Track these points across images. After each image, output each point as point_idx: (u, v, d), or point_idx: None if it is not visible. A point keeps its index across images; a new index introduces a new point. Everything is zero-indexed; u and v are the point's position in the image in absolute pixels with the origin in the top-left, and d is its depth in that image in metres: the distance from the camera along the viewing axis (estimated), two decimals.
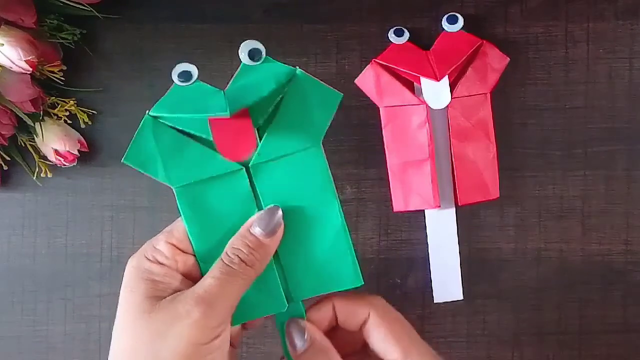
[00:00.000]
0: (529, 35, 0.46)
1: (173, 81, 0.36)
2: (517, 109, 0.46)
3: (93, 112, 0.47)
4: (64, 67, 0.45)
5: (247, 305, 0.35)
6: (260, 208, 0.35)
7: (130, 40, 0.47)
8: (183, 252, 0.34)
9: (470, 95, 0.43)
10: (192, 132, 0.35)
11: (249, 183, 0.35)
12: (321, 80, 0.35)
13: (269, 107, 0.35)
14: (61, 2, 0.43)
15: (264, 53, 0.35)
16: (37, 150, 0.46)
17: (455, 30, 0.45)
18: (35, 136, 0.45)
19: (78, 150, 0.45)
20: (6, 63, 0.40)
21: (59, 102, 0.45)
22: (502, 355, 0.47)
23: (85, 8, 0.44)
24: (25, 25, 0.42)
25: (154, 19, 0.47)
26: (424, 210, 0.45)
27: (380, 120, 0.44)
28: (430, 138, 0.43)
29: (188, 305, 0.31)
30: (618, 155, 0.46)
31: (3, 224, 0.48)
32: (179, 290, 0.33)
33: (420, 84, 0.43)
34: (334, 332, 0.36)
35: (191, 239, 0.35)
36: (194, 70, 0.35)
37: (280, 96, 0.35)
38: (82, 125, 0.47)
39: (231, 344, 0.35)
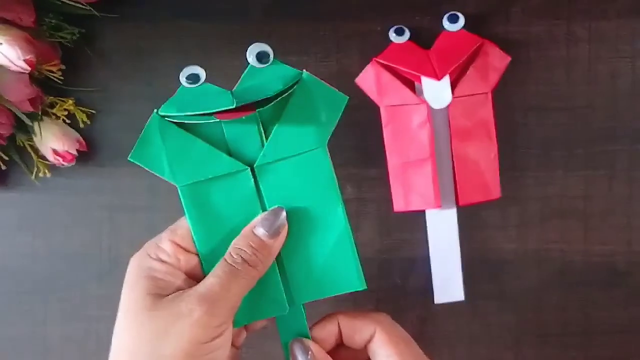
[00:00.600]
0: (530, 35, 0.46)
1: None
2: (518, 109, 0.46)
3: (92, 111, 0.47)
4: (63, 67, 0.45)
5: (249, 307, 0.35)
6: (264, 208, 0.35)
7: (129, 39, 0.47)
8: (186, 250, 0.34)
9: (471, 95, 0.43)
10: (199, 121, 0.35)
11: (253, 183, 0.35)
12: (321, 79, 0.35)
13: (272, 105, 0.35)
14: (60, 1, 0.43)
15: (271, 56, 0.36)
16: (35, 150, 0.46)
17: (456, 30, 0.44)
18: (33, 136, 0.45)
19: (77, 150, 0.45)
20: (5, 62, 0.40)
21: (57, 101, 0.45)
22: (503, 356, 0.46)
23: (84, 7, 0.44)
24: (24, 24, 0.42)
25: (153, 18, 0.47)
26: (424, 211, 0.45)
27: (380, 120, 0.44)
28: (431, 138, 0.43)
29: (190, 303, 0.31)
30: (620, 155, 0.46)
31: (1, 224, 0.47)
32: (181, 289, 0.33)
33: (420, 83, 0.43)
34: (338, 349, 0.36)
35: (194, 238, 0.35)
36: (201, 72, 0.36)
37: (285, 96, 0.35)
38: (81, 125, 0.46)
39: (233, 345, 0.35)
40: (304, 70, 0.35)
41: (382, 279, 0.46)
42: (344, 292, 0.35)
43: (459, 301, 0.45)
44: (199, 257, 0.35)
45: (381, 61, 0.44)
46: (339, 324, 0.36)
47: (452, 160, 0.44)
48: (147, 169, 0.35)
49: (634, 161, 0.46)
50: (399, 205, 0.44)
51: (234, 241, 0.34)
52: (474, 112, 0.43)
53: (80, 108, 0.46)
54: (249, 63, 0.36)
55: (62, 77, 0.45)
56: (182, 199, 0.35)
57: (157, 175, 0.35)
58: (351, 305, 0.46)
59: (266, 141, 0.35)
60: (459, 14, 0.44)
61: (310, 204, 0.35)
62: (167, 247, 0.34)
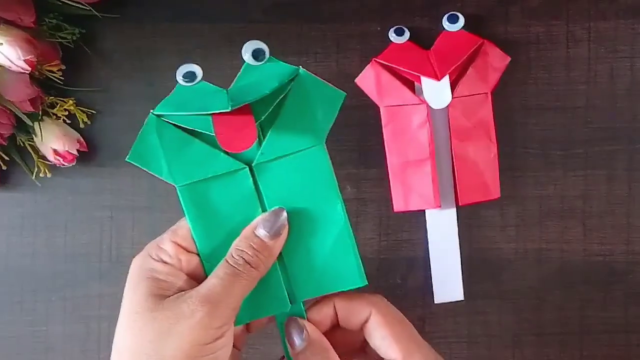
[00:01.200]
0: (530, 35, 0.46)
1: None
2: (518, 109, 0.46)
3: (92, 111, 0.47)
4: (63, 67, 0.45)
5: (250, 306, 0.35)
6: (263, 207, 0.35)
7: (129, 39, 0.47)
8: (187, 251, 0.34)
9: (471, 95, 0.43)
10: (196, 128, 0.35)
11: (252, 182, 0.35)
12: (315, 75, 0.35)
13: (271, 105, 0.35)
14: (60, 1, 0.43)
15: (267, 53, 0.35)
16: (36, 150, 0.46)
17: (456, 30, 0.45)
18: (34, 136, 0.45)
19: (77, 150, 0.45)
20: (5, 62, 0.40)
21: (58, 101, 0.45)
22: (503, 355, 0.46)
23: (85, 7, 0.44)
24: (24, 24, 0.42)
25: (153, 19, 0.47)
26: (424, 210, 0.45)
27: (380, 120, 0.44)
28: (430, 138, 0.43)
29: (192, 305, 0.31)
30: (619, 155, 0.46)
31: (2, 224, 0.47)
32: (183, 290, 0.33)
33: (420, 83, 0.43)
34: (334, 331, 0.36)
35: (195, 238, 0.35)
36: (198, 70, 0.36)
37: (283, 95, 0.35)
38: (82, 125, 0.46)
39: (235, 346, 0.35)
40: (300, 67, 0.35)
41: (382, 279, 0.46)
42: (345, 289, 0.36)
43: (458, 301, 0.45)
44: (199, 257, 0.35)
45: (381, 61, 0.44)
46: (334, 306, 0.36)
47: (452, 160, 0.44)
48: (145, 169, 0.35)
49: (634, 161, 0.46)
50: (398, 205, 0.44)
51: (235, 242, 0.34)
52: (473, 112, 0.43)
53: (81, 108, 0.46)
54: (244, 61, 0.36)
55: (62, 77, 0.45)
56: (181, 199, 0.35)
57: (156, 175, 0.35)
58: None
59: (264, 139, 0.35)
60: (459, 14, 0.44)
61: (309, 201, 0.35)
62: (169, 248, 0.34)
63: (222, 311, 0.32)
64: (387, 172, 0.44)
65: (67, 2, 0.43)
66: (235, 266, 0.33)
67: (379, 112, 0.44)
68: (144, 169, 0.35)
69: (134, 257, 0.34)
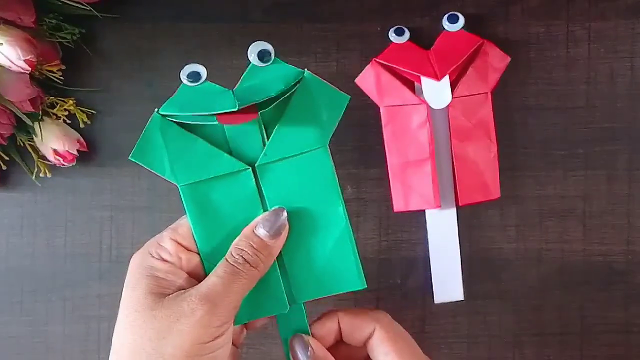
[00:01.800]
0: (530, 35, 0.46)
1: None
2: (518, 109, 0.46)
3: (92, 111, 0.47)
4: (63, 67, 0.45)
5: (249, 306, 0.35)
6: (265, 208, 0.35)
7: (129, 39, 0.47)
8: (187, 249, 0.34)
9: (471, 95, 0.43)
10: (200, 122, 0.35)
11: (254, 183, 0.35)
12: (320, 78, 0.35)
13: (276, 106, 0.35)
14: (60, 1, 0.43)
15: (273, 54, 0.36)
16: (36, 150, 0.46)
17: (456, 30, 0.45)
18: (34, 136, 0.45)
19: (77, 150, 0.45)
20: (5, 62, 0.40)
21: (58, 101, 0.45)
22: (503, 355, 0.46)
23: (85, 7, 0.44)
24: (24, 24, 0.42)
25: (153, 19, 0.47)
26: (424, 210, 0.45)
27: (380, 120, 0.44)
28: (430, 138, 0.43)
29: (193, 303, 0.31)
30: (619, 155, 0.46)
31: (2, 224, 0.47)
32: (183, 288, 0.33)
33: (420, 83, 0.43)
34: (337, 346, 0.36)
35: (195, 237, 0.35)
36: (202, 71, 0.36)
37: (286, 95, 0.35)
38: (81, 125, 0.46)
39: (234, 344, 0.35)
40: (305, 69, 0.35)
41: (382, 279, 0.46)
42: (344, 291, 0.36)
43: (458, 301, 0.45)
44: (200, 256, 0.35)
45: (381, 61, 0.44)
46: (338, 321, 0.36)
47: (452, 160, 0.44)
48: (147, 168, 0.35)
49: (634, 161, 0.46)
50: (398, 205, 0.44)
51: (235, 241, 0.34)
52: (473, 112, 0.43)
53: (81, 108, 0.46)
54: (250, 61, 0.36)
55: (62, 77, 0.45)
56: (183, 199, 0.35)
57: (158, 174, 0.35)
58: (351, 305, 0.46)
59: (267, 141, 0.35)
60: (459, 14, 0.44)
61: (311, 203, 0.35)
62: (169, 246, 0.34)
63: (222, 310, 0.32)
64: (387, 172, 0.44)
65: (67, 2, 0.43)
66: (235, 265, 0.33)
67: (379, 112, 0.44)
68: (147, 167, 0.35)
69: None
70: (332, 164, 0.35)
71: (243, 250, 0.34)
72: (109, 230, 0.47)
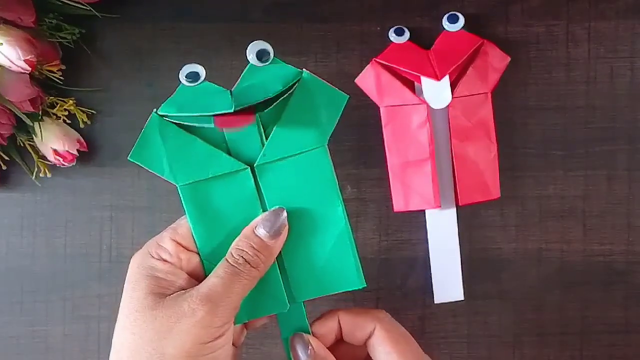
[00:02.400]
0: (530, 35, 0.46)
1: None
2: (518, 109, 0.46)
3: (92, 111, 0.47)
4: (63, 67, 0.45)
5: (249, 305, 0.35)
6: (264, 208, 0.35)
7: (129, 39, 0.47)
8: (187, 249, 0.34)
9: (471, 95, 0.43)
10: (198, 124, 0.35)
11: (253, 183, 0.35)
12: (319, 78, 0.35)
13: (275, 107, 0.35)
14: (60, 1, 0.43)
15: (272, 54, 0.36)
16: (36, 150, 0.46)
17: (456, 30, 0.45)
18: (34, 136, 0.45)
19: (77, 150, 0.45)
20: (5, 62, 0.40)
21: (58, 101, 0.45)
22: (503, 355, 0.46)
23: (85, 7, 0.44)
24: (24, 24, 0.42)
25: (153, 19, 0.47)
26: (424, 211, 0.45)
27: (380, 120, 0.44)
28: (430, 138, 0.43)
29: (193, 303, 0.32)
30: (619, 155, 0.46)
31: (2, 224, 0.47)
32: (183, 289, 0.33)
33: (420, 83, 0.43)
34: (337, 345, 0.37)
35: (195, 237, 0.35)
36: (201, 70, 0.36)
37: (285, 96, 0.35)
38: (81, 125, 0.46)
39: (234, 344, 0.35)
40: (304, 69, 0.35)
41: (382, 279, 0.46)
42: (343, 290, 0.36)
43: (458, 301, 0.45)
44: (199, 256, 0.35)
45: (381, 61, 0.44)
46: (339, 320, 0.36)
47: (452, 160, 0.44)
48: (146, 168, 0.35)
49: (634, 161, 0.46)
50: (398, 205, 0.44)
51: (235, 241, 0.34)
52: (473, 112, 0.43)
53: (81, 108, 0.46)
54: (248, 61, 0.36)
55: (62, 77, 0.45)
56: (182, 199, 0.35)
57: (157, 174, 0.35)
58: (351, 304, 0.46)
59: (266, 140, 0.35)
60: (459, 14, 0.44)
61: (310, 203, 0.35)
62: (169, 246, 0.34)
63: (222, 310, 0.32)
64: (387, 172, 0.44)
65: (67, 2, 0.43)
66: (236, 265, 0.33)
67: (379, 112, 0.44)
68: (146, 168, 0.35)
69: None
70: (331, 163, 0.35)
71: (243, 250, 0.34)
72: (109, 230, 0.47)
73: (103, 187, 0.47)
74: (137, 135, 0.35)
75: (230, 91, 0.35)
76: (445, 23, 0.45)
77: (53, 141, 0.45)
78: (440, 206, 0.44)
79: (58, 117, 0.46)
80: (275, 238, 0.34)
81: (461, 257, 0.45)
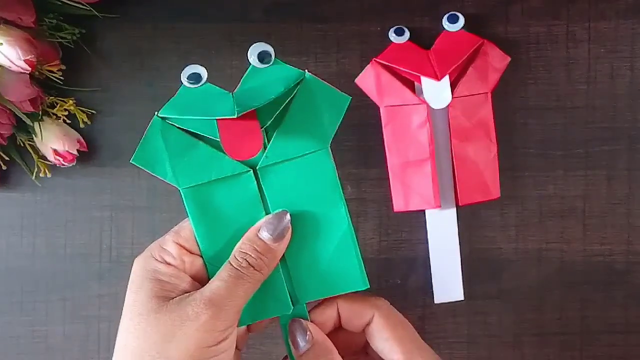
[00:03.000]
0: (530, 35, 0.46)
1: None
2: (518, 109, 0.46)
3: (92, 111, 0.47)
4: (63, 67, 0.45)
5: (252, 307, 0.35)
6: (267, 210, 0.35)
7: (129, 39, 0.47)
8: (190, 252, 0.34)
9: (471, 95, 0.43)
10: (200, 132, 0.35)
11: (256, 185, 0.35)
12: (321, 79, 0.35)
13: (276, 109, 0.35)
14: (60, 1, 0.43)
15: (273, 56, 0.35)
16: (36, 150, 0.46)
17: (456, 30, 0.44)
18: (34, 136, 0.45)
19: (77, 150, 0.45)
20: (5, 62, 0.40)
21: (58, 101, 0.45)
22: (503, 355, 0.46)
23: (85, 7, 0.44)
24: (24, 24, 0.42)
25: (153, 19, 0.47)
26: (424, 211, 0.45)
27: (380, 120, 0.44)
28: (430, 138, 0.43)
29: (197, 307, 0.31)
30: (619, 155, 0.46)
31: (2, 224, 0.47)
32: (186, 292, 0.33)
33: (420, 83, 0.43)
34: (336, 332, 0.36)
35: (198, 240, 0.35)
36: (203, 72, 0.36)
37: (289, 99, 0.35)
38: (81, 125, 0.46)
39: (236, 347, 0.35)
40: (306, 70, 0.35)
41: (382, 279, 0.46)
42: (347, 292, 0.36)
43: (458, 301, 0.45)
44: (203, 259, 0.35)
45: (381, 61, 0.44)
46: (338, 308, 0.36)
47: (452, 160, 0.44)
48: (149, 171, 0.35)
49: (633, 161, 0.46)
50: (398, 205, 0.44)
51: (238, 245, 0.34)
52: (473, 112, 0.43)
53: (81, 108, 0.46)
54: (250, 63, 0.36)
55: (62, 77, 0.45)
56: (184, 202, 0.35)
57: (159, 178, 0.35)
58: None
59: (269, 143, 0.35)
60: (459, 14, 0.44)
61: (313, 205, 0.35)
62: (172, 249, 0.34)
63: (226, 314, 0.32)
64: (387, 172, 0.44)
65: (67, 2, 0.43)
66: (239, 269, 0.33)
67: (379, 112, 0.44)
68: (148, 171, 0.35)
69: (134, 257, 0.34)
70: (334, 165, 0.35)
71: (247, 253, 0.34)
72: (109, 230, 0.47)
73: (103, 187, 0.47)
74: (137, 136, 0.35)
75: (232, 94, 0.35)
76: (445, 23, 0.45)
77: (53, 141, 0.45)
78: (440, 206, 0.44)
79: (58, 117, 0.46)
80: (279, 241, 0.34)
81: (461, 257, 0.45)
